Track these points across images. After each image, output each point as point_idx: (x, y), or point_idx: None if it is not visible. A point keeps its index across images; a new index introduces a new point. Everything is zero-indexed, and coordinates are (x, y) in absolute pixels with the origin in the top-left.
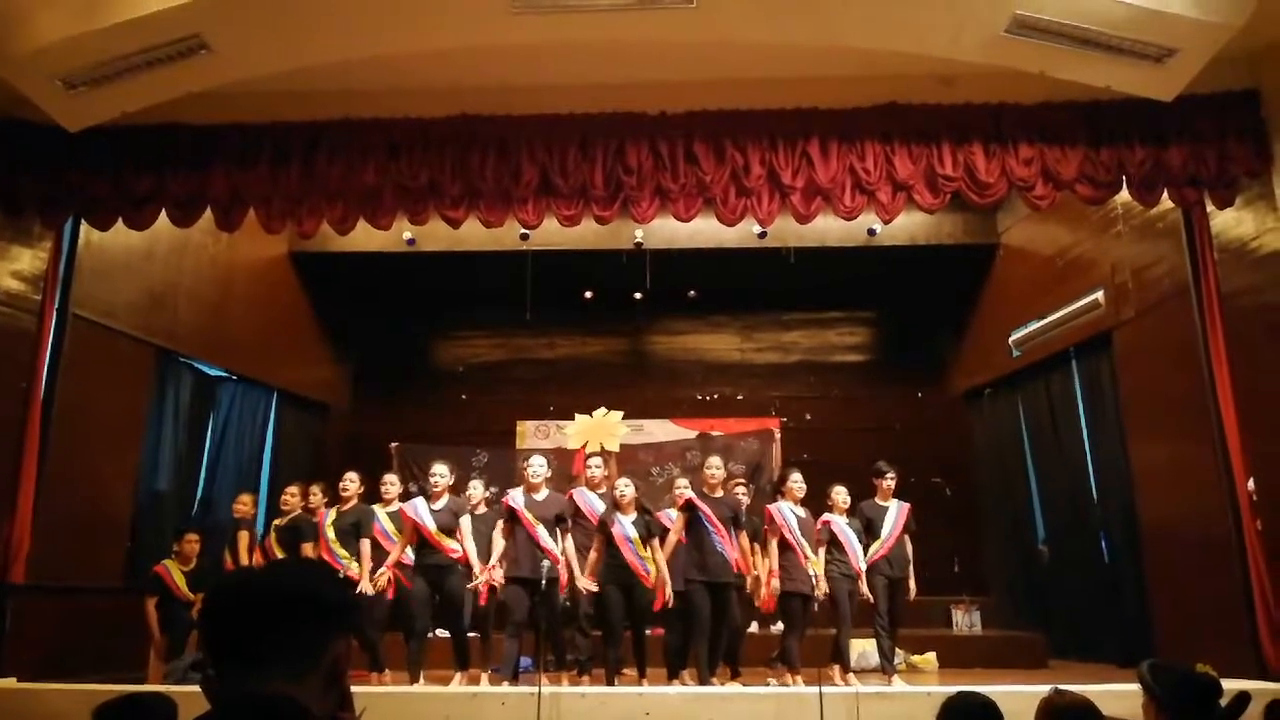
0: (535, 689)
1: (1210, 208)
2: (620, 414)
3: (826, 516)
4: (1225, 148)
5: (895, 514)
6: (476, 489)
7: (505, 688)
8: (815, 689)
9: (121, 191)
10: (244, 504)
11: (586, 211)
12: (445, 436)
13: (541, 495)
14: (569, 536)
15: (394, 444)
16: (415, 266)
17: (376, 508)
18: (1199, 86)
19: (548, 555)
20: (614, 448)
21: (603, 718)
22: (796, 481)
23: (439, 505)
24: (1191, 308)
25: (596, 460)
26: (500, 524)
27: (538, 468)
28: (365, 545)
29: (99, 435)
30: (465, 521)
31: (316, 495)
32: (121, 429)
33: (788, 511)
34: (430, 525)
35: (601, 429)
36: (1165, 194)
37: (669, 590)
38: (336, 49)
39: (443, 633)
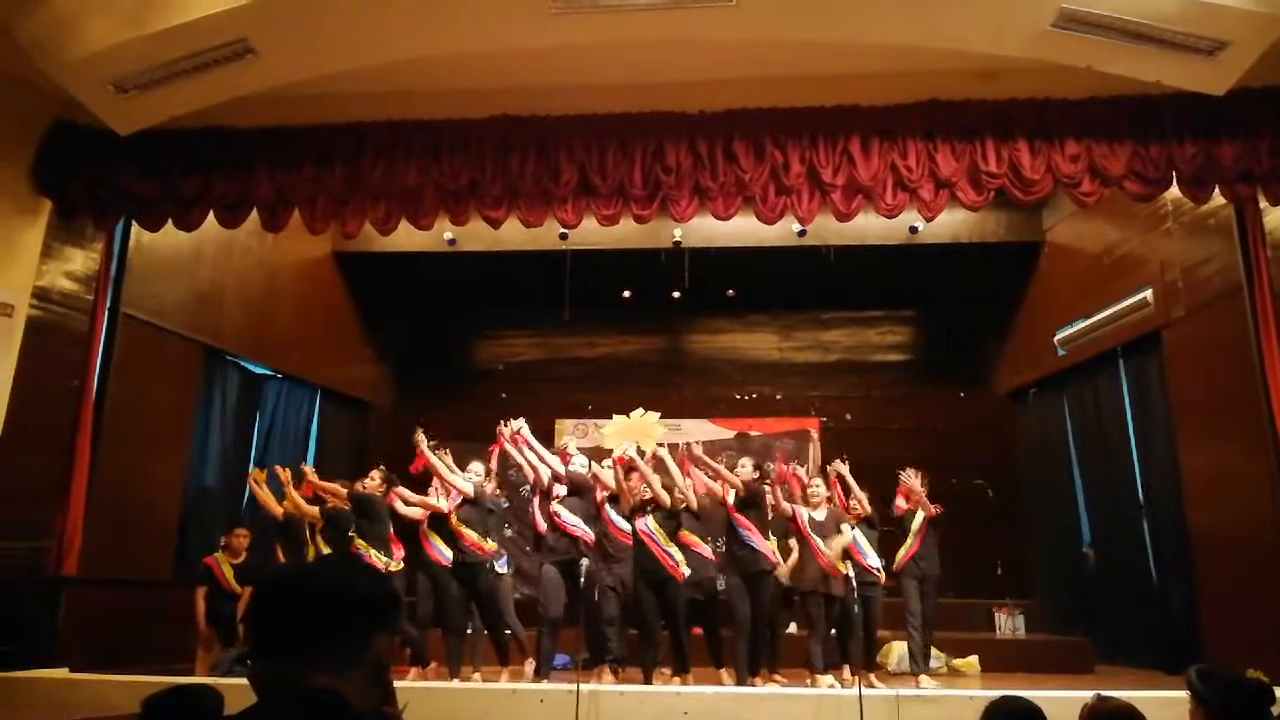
0: (574, 686)
1: (1263, 204)
2: (658, 414)
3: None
4: (1279, 143)
5: (921, 515)
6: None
7: (544, 684)
8: (854, 691)
9: (170, 193)
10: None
11: (625, 211)
12: (485, 435)
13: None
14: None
15: (432, 443)
16: (456, 266)
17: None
18: (1251, 80)
19: (580, 540)
20: (651, 448)
21: (641, 716)
22: (817, 486)
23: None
24: (1244, 307)
25: (607, 461)
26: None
27: (577, 466)
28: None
29: (148, 432)
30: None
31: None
32: (170, 426)
33: (805, 514)
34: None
35: (639, 429)
36: (1216, 190)
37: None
38: (379, 52)
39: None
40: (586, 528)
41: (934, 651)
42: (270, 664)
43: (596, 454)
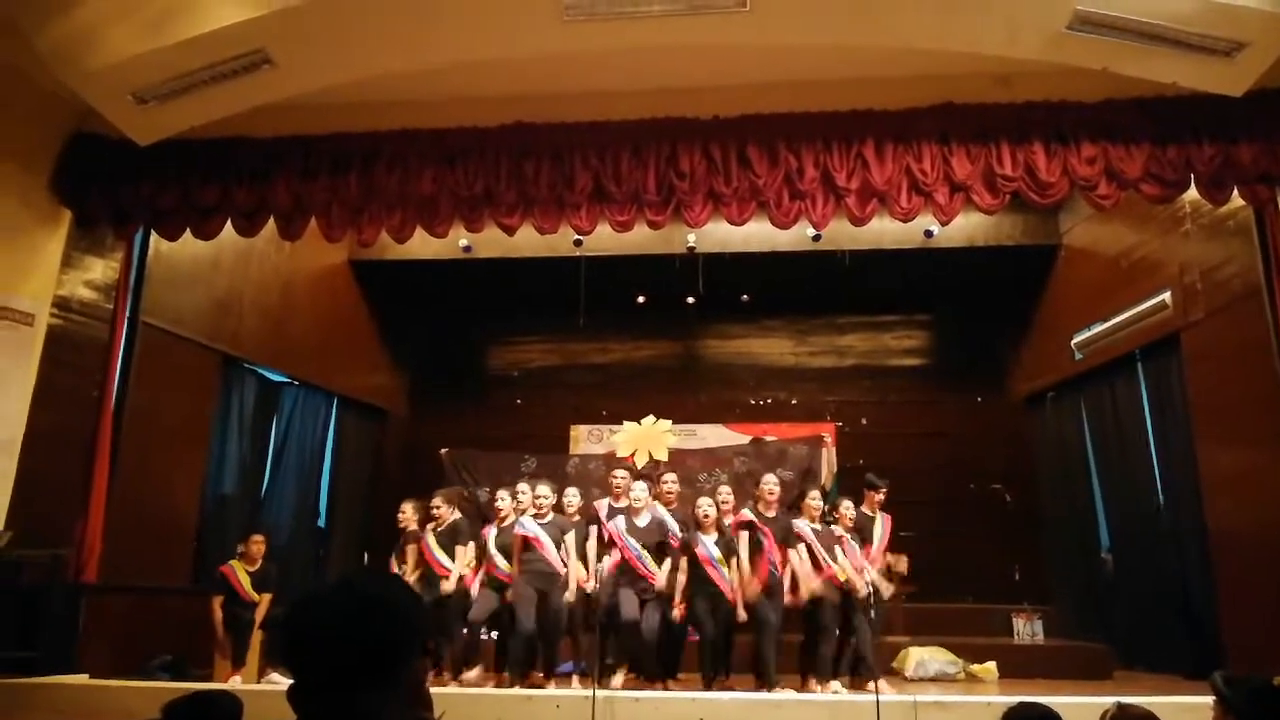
0: (589, 692)
1: None
2: (669, 422)
3: (837, 532)
4: None
5: (881, 525)
6: (574, 496)
7: (559, 690)
8: (871, 697)
9: (189, 203)
10: (406, 513)
11: (639, 216)
12: (500, 441)
13: (642, 520)
14: (668, 560)
15: (444, 450)
16: (471, 273)
17: (490, 529)
18: (1270, 81)
19: (648, 580)
20: (662, 456)
21: None
22: (814, 499)
23: (546, 521)
24: (1264, 309)
25: (672, 477)
26: (593, 538)
27: (640, 493)
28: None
29: (167, 439)
30: (570, 539)
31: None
32: (188, 433)
33: (805, 528)
34: (544, 536)
35: (650, 437)
36: (1235, 192)
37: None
38: (395, 61)
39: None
40: (658, 575)
41: (951, 657)
42: (308, 684)
43: (610, 460)
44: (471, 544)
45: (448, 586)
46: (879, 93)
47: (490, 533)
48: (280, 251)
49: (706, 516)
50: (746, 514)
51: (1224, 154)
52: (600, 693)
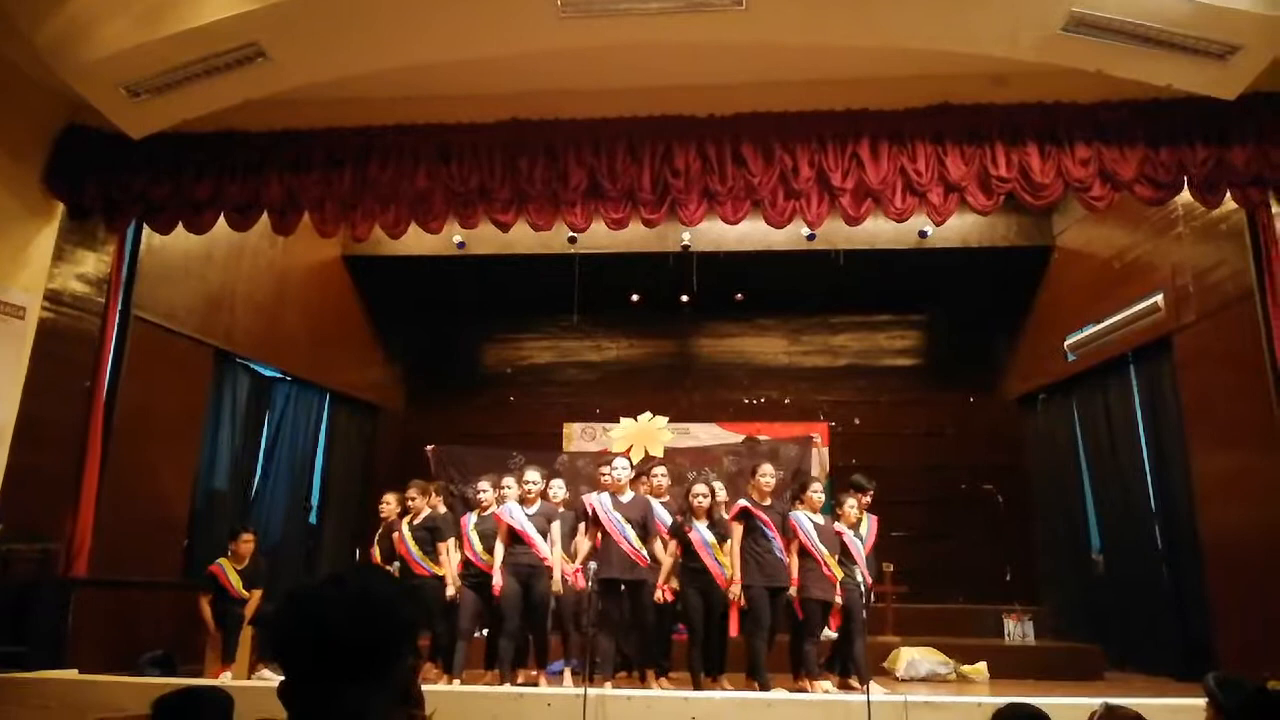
0: (580, 690)
1: (1276, 209)
2: (665, 419)
3: (838, 527)
4: None
5: (868, 527)
6: (559, 488)
7: (551, 689)
8: (863, 697)
9: (182, 196)
10: (389, 503)
11: (634, 214)
12: (494, 438)
13: (626, 497)
14: (657, 540)
15: (430, 447)
16: (465, 270)
17: (470, 515)
18: (1263, 83)
19: (635, 558)
20: (658, 452)
21: None
22: (816, 491)
23: (533, 510)
24: (1256, 312)
25: (661, 469)
26: (583, 526)
27: (620, 470)
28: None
29: (159, 434)
30: (556, 527)
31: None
32: (180, 428)
33: (805, 520)
34: (530, 529)
35: (646, 434)
36: (1228, 194)
37: (742, 598)
38: (389, 56)
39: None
40: (643, 552)
41: (942, 657)
42: (298, 680)
43: (597, 458)
44: (453, 540)
45: (449, 592)
46: (874, 93)
47: (470, 519)
48: (274, 246)
49: (700, 503)
50: (743, 503)
51: (1217, 157)
52: (591, 691)
